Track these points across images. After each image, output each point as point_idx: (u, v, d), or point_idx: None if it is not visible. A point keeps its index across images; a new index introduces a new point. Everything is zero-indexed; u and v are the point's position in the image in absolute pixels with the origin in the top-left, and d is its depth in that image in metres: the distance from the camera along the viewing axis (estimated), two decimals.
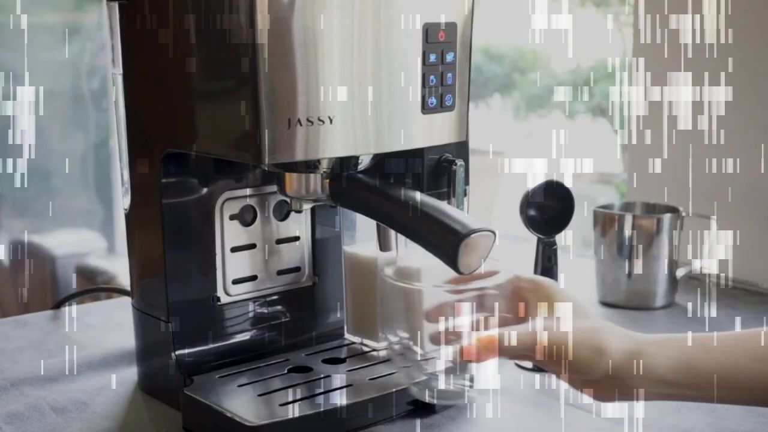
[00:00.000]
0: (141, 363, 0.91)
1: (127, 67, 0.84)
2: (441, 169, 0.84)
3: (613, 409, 0.85)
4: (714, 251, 1.20)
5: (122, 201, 0.89)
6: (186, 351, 0.85)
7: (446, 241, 0.73)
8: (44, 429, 0.82)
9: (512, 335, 0.70)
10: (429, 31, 0.77)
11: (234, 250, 0.87)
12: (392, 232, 0.85)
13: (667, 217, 1.17)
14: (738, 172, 1.27)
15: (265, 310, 0.91)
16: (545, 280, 0.76)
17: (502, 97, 4.60)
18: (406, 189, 0.79)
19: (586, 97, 4.18)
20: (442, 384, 0.76)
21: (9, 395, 0.88)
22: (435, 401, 0.78)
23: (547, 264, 0.98)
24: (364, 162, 0.81)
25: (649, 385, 0.69)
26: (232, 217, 0.87)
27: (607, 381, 0.70)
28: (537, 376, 0.93)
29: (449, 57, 0.79)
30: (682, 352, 0.69)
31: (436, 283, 0.76)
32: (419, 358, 0.74)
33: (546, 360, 0.71)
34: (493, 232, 0.74)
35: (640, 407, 0.84)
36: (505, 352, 0.71)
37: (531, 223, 0.97)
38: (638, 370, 0.69)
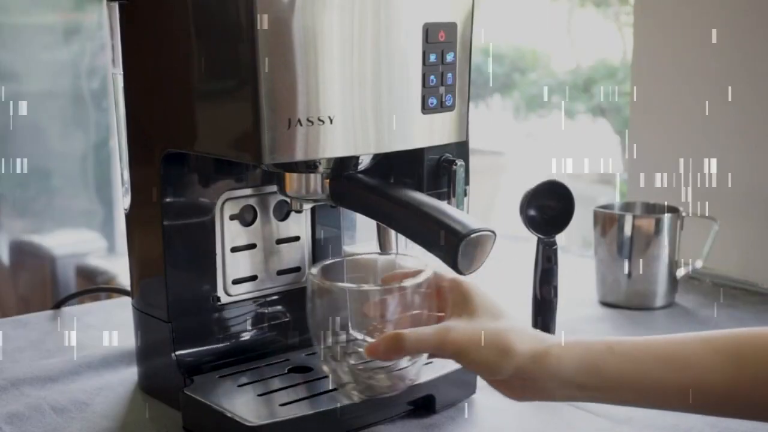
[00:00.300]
0: (141, 363, 0.91)
1: (127, 67, 0.84)
2: (441, 169, 0.84)
3: (613, 409, 0.85)
4: (714, 251, 1.20)
5: (122, 201, 0.89)
6: (186, 351, 0.85)
7: (446, 241, 0.73)
8: (44, 429, 0.82)
9: (416, 334, 0.71)
10: (429, 31, 0.77)
11: (234, 250, 0.87)
12: (392, 232, 0.85)
13: (667, 217, 1.17)
14: (738, 172, 1.27)
15: (265, 310, 0.91)
16: (465, 280, 0.76)
17: (502, 97, 4.60)
18: (406, 189, 0.79)
19: (586, 97, 4.19)
20: (369, 380, 0.76)
21: (9, 395, 0.88)
22: (359, 398, 0.78)
23: (547, 264, 0.98)
24: (364, 162, 0.81)
25: (557, 386, 0.70)
26: (232, 217, 0.87)
27: (515, 381, 0.71)
28: None
29: (449, 57, 0.79)
30: (589, 354, 0.70)
31: (362, 282, 0.78)
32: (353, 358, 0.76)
33: (452, 359, 0.72)
34: (493, 232, 0.74)
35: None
36: (409, 350, 0.71)
37: (531, 223, 0.97)
38: (544, 371, 0.70)
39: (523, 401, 0.74)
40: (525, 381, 0.71)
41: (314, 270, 0.75)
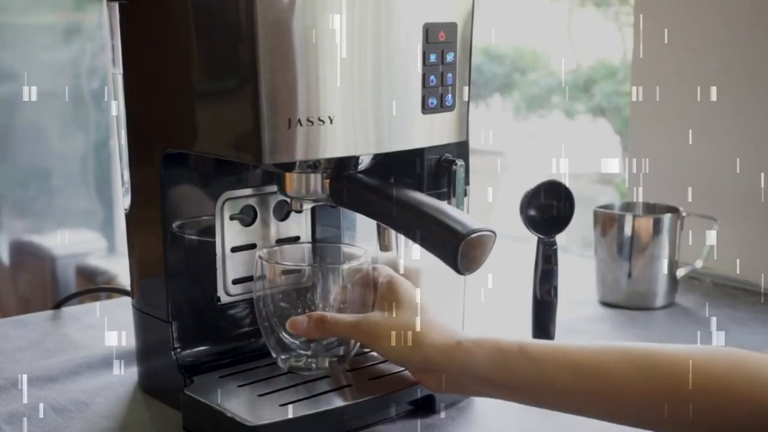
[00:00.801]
0: (141, 363, 0.91)
1: (127, 67, 0.84)
2: (441, 169, 0.84)
3: None
4: (714, 251, 1.20)
5: (122, 201, 0.89)
6: (186, 351, 0.85)
7: (446, 241, 0.73)
8: (44, 429, 0.82)
9: (336, 317, 0.78)
10: (429, 31, 0.77)
11: (234, 250, 0.87)
12: (392, 232, 0.85)
13: (667, 217, 1.17)
14: (738, 172, 1.27)
15: None
16: (396, 277, 0.81)
17: (503, 97, 4.60)
18: (406, 189, 0.79)
19: (586, 97, 4.19)
20: (307, 359, 0.83)
21: (9, 395, 0.88)
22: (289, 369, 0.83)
23: (546, 264, 0.98)
24: (364, 162, 0.81)
25: (469, 381, 0.74)
26: (232, 217, 0.87)
27: (430, 372, 0.76)
28: None
29: (449, 57, 0.79)
30: (500, 353, 0.73)
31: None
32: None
33: (367, 345, 0.79)
34: (494, 232, 0.74)
35: None
36: (328, 331, 0.79)
37: (531, 223, 0.97)
38: (453, 364, 0.74)
39: (441, 393, 0.78)
40: (438, 373, 0.75)
41: (262, 252, 0.82)
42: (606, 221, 1.19)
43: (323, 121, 0.72)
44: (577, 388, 0.71)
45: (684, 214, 1.18)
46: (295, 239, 0.91)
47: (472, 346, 0.74)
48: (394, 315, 0.77)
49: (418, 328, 0.76)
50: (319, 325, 0.78)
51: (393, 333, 0.76)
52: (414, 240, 0.76)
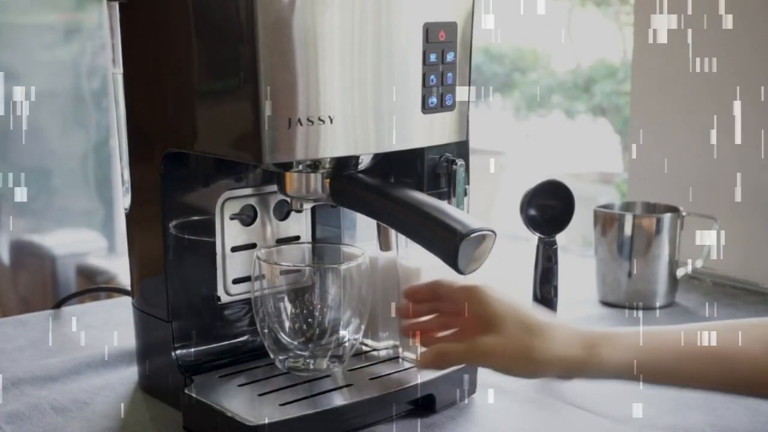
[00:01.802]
0: (141, 363, 0.91)
1: (127, 67, 0.84)
2: (441, 169, 0.84)
3: (613, 408, 0.85)
4: (714, 251, 1.20)
5: (122, 200, 0.89)
6: (186, 351, 0.85)
7: (446, 241, 0.73)
8: (44, 429, 0.82)
9: (450, 347, 0.76)
10: (429, 31, 0.77)
11: (234, 249, 0.87)
12: (392, 232, 0.85)
13: (667, 217, 1.17)
14: (738, 172, 1.27)
15: None
16: (476, 287, 0.78)
17: (503, 96, 4.60)
18: (406, 189, 0.79)
19: (586, 97, 4.19)
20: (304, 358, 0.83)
21: (9, 395, 0.88)
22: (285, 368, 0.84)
23: (547, 263, 0.98)
24: (364, 162, 0.81)
25: (609, 376, 0.75)
26: (232, 217, 0.87)
27: (561, 377, 0.76)
28: None
29: (449, 57, 0.79)
30: (634, 351, 0.73)
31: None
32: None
33: (486, 368, 0.77)
34: (494, 232, 0.74)
35: (639, 407, 0.84)
36: (448, 363, 0.79)
37: (531, 222, 0.97)
38: (585, 373, 0.74)
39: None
40: (572, 376, 0.76)
41: (260, 252, 0.82)
42: (606, 221, 1.19)
43: (323, 121, 0.72)
44: (709, 375, 0.73)
45: (684, 214, 1.18)
46: (295, 239, 0.91)
47: (604, 353, 0.73)
48: (504, 333, 0.74)
49: (536, 349, 0.73)
50: (440, 357, 0.77)
51: (513, 356, 0.74)
52: (414, 239, 0.76)
